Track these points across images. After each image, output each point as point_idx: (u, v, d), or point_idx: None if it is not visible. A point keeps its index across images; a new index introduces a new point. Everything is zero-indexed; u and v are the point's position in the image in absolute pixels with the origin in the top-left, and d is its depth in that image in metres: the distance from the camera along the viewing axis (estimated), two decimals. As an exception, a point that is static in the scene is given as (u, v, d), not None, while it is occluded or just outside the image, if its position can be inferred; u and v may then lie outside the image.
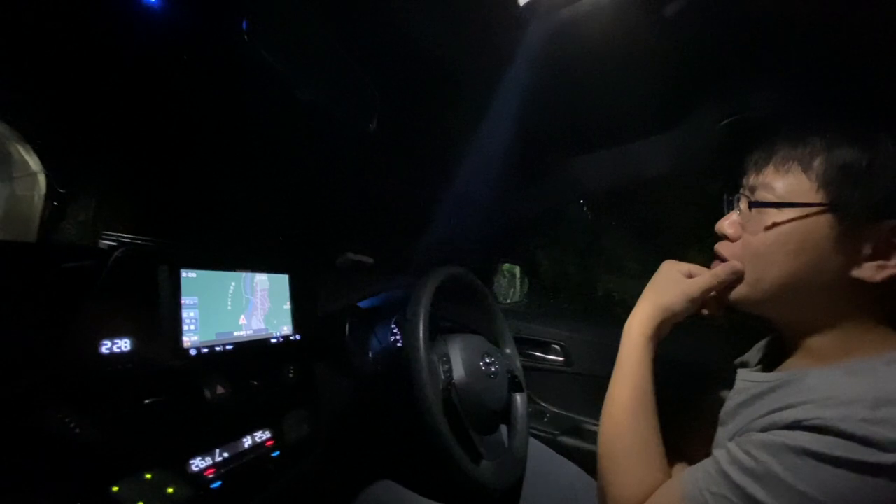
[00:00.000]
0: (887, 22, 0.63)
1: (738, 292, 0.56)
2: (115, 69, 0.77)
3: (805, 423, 0.41)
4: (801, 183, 0.50)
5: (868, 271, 0.47)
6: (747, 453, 0.44)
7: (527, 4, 0.67)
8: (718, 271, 0.58)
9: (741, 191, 0.58)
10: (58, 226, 0.83)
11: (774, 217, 0.51)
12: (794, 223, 0.50)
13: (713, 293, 0.60)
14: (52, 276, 0.57)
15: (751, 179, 0.56)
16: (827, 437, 0.39)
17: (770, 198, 0.52)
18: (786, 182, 0.51)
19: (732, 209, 0.59)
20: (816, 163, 0.49)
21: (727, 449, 0.47)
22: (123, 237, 0.84)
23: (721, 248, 0.59)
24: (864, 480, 0.37)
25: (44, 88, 0.78)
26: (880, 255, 0.46)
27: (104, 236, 0.85)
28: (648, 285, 0.65)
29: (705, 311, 0.62)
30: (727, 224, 0.58)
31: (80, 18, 0.70)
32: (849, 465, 0.38)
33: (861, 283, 0.47)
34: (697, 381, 0.75)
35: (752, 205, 0.54)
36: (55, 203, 0.83)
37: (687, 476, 0.50)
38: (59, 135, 0.83)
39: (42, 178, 0.83)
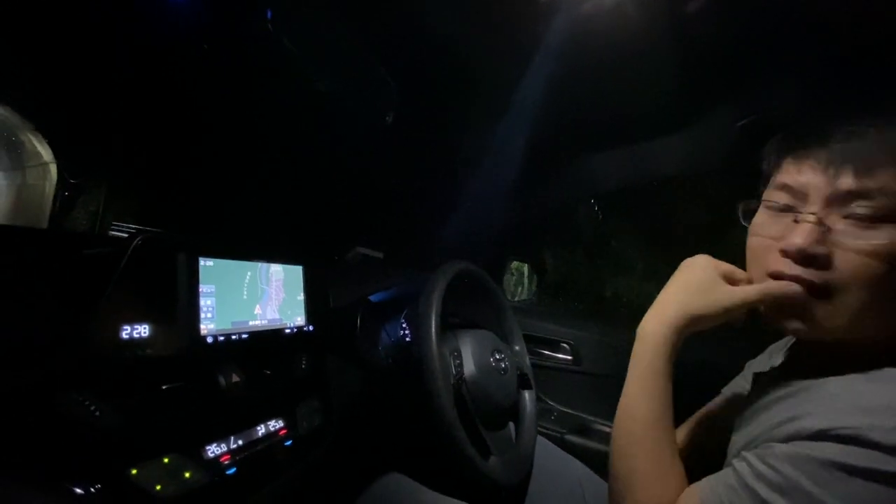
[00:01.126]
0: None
1: (834, 326, 0.46)
2: (132, 60, 0.77)
3: (831, 433, 0.40)
4: None
5: None
6: (772, 467, 0.42)
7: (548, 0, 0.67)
8: (773, 289, 0.48)
9: (808, 199, 0.47)
10: (68, 215, 0.84)
11: (884, 232, 0.43)
12: None
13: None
14: (75, 263, 0.58)
15: (840, 183, 0.45)
16: (855, 448, 0.38)
17: (883, 208, 0.43)
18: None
19: (797, 221, 0.48)
20: None
21: (748, 461, 0.45)
22: (133, 227, 0.85)
23: (805, 273, 0.46)
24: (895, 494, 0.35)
25: (58, 79, 0.78)
26: None
27: (114, 227, 0.86)
28: (677, 282, 0.56)
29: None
30: (810, 240, 0.45)
31: (99, 10, 0.70)
32: (880, 477, 0.36)
33: None
34: (709, 383, 0.75)
35: (862, 218, 0.44)
36: (66, 193, 0.84)
37: (706, 488, 0.47)
38: (72, 126, 0.84)
39: (53, 168, 0.84)
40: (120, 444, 0.52)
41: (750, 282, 0.53)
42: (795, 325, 0.49)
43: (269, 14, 0.60)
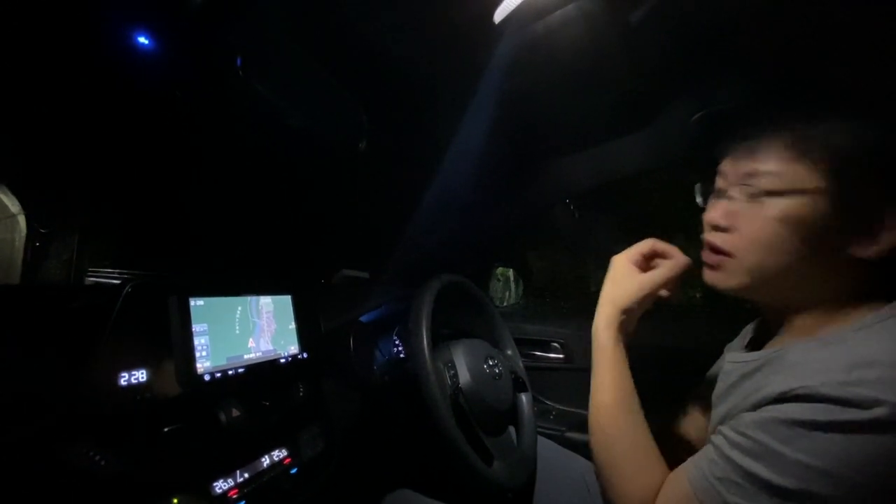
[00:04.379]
0: (830, 17, 0.68)
1: (736, 280, 0.55)
2: (99, 107, 0.78)
3: (790, 394, 0.44)
4: (798, 170, 0.50)
5: (864, 249, 0.49)
6: (743, 434, 0.46)
7: (501, 21, 0.71)
8: (675, 267, 0.61)
9: (726, 180, 0.57)
10: (41, 266, 0.84)
11: (773, 204, 0.51)
12: (793, 209, 0.50)
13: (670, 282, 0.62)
14: (65, 314, 0.59)
15: (742, 167, 0.55)
16: (812, 405, 0.42)
17: (768, 185, 0.52)
18: (783, 169, 0.51)
19: (718, 198, 0.58)
20: (814, 149, 0.50)
21: (723, 434, 0.48)
22: (111, 272, 0.85)
23: (716, 238, 0.57)
24: (852, 440, 0.39)
25: (22, 129, 0.77)
26: (875, 232, 0.48)
27: (91, 273, 0.85)
28: (606, 281, 0.66)
29: (664, 293, 0.63)
30: (720, 215, 0.56)
31: (63, 58, 0.71)
32: (836, 428, 0.40)
33: (856, 262, 0.49)
34: (690, 368, 0.78)
35: (754, 194, 0.53)
36: (37, 243, 0.83)
37: (691, 467, 0.51)
38: (38, 175, 0.84)
39: (22, 220, 0.83)
40: (128, 489, 0.53)
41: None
42: (710, 278, 0.58)
43: (238, 61, 0.63)
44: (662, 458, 0.57)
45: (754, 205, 0.53)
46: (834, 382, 0.41)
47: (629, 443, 0.58)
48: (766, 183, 0.52)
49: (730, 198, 0.56)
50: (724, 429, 0.49)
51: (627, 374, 0.61)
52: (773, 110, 0.56)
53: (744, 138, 0.56)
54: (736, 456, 0.45)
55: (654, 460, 0.56)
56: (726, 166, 0.58)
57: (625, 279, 0.63)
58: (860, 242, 0.49)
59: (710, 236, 0.58)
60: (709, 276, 0.59)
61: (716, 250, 0.57)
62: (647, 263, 0.65)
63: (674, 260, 0.62)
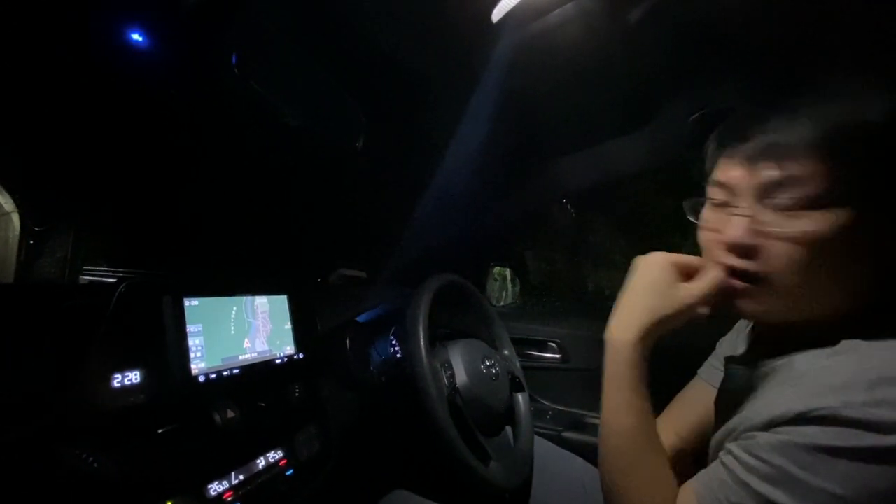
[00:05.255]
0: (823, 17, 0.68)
1: (767, 307, 0.49)
2: (94, 105, 0.77)
3: (809, 416, 0.40)
4: (835, 178, 0.43)
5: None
6: (759, 458, 0.42)
7: (500, 20, 0.70)
8: (721, 279, 0.50)
9: (737, 192, 0.49)
10: (35, 264, 0.83)
11: (812, 217, 0.44)
12: (836, 220, 0.43)
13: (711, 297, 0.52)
14: (58, 314, 0.58)
15: (760, 176, 0.47)
16: (834, 428, 0.38)
17: (804, 196, 0.44)
18: (822, 174, 0.43)
19: (724, 214, 0.51)
20: (851, 154, 0.43)
21: (734, 454, 0.45)
22: (106, 270, 0.84)
23: (741, 263, 0.48)
24: (879, 468, 0.36)
25: (15, 126, 0.76)
26: None
27: (86, 272, 0.85)
28: (637, 285, 0.55)
29: (704, 311, 0.54)
30: (744, 234, 0.47)
31: (58, 56, 0.70)
32: (862, 454, 0.37)
33: (872, 270, 0.45)
34: (686, 363, 0.77)
35: (785, 207, 0.45)
36: (31, 242, 0.83)
37: (700, 488, 0.47)
38: (33, 173, 0.83)
39: (16, 218, 0.83)
40: (122, 492, 0.52)
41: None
42: (742, 308, 0.51)
43: (234, 59, 0.62)
44: (675, 479, 0.52)
45: (785, 220, 0.45)
46: (856, 403, 0.38)
47: (648, 470, 0.52)
48: (800, 193, 0.44)
49: (746, 213, 0.48)
50: (735, 448, 0.45)
51: (647, 392, 0.54)
52: (797, 104, 0.47)
53: (757, 140, 0.47)
54: (753, 482, 0.42)
55: (671, 481, 0.52)
56: (733, 175, 0.49)
57: (670, 287, 0.53)
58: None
59: (732, 260, 0.49)
60: (735, 304, 0.51)
61: (743, 276, 0.49)
62: (686, 275, 0.55)
63: (712, 272, 0.51)
